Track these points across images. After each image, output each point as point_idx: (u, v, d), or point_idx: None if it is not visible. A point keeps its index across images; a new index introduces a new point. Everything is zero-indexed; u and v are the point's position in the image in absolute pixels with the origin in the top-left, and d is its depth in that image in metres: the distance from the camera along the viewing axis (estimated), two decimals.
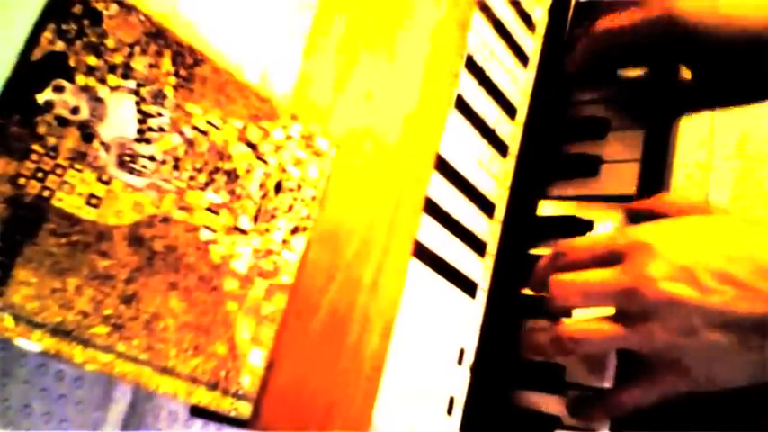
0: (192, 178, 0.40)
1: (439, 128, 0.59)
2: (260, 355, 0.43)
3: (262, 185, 0.44)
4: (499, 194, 0.65)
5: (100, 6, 0.37)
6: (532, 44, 0.71)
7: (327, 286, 0.48)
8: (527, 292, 0.60)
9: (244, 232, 0.43)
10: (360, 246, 0.51)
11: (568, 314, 0.57)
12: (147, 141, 0.39)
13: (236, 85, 0.43)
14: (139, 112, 0.38)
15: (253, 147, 0.44)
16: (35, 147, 0.34)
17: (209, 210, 0.41)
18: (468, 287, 0.60)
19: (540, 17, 0.73)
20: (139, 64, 0.38)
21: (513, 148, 0.67)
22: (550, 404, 0.59)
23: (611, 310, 0.52)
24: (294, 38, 0.48)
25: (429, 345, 0.55)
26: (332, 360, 0.48)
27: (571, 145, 0.70)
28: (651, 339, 0.48)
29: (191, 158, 0.41)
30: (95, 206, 0.36)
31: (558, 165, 0.70)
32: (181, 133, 0.40)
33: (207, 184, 0.41)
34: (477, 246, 0.61)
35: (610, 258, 0.51)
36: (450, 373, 0.57)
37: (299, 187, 0.46)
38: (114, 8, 0.37)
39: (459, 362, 0.58)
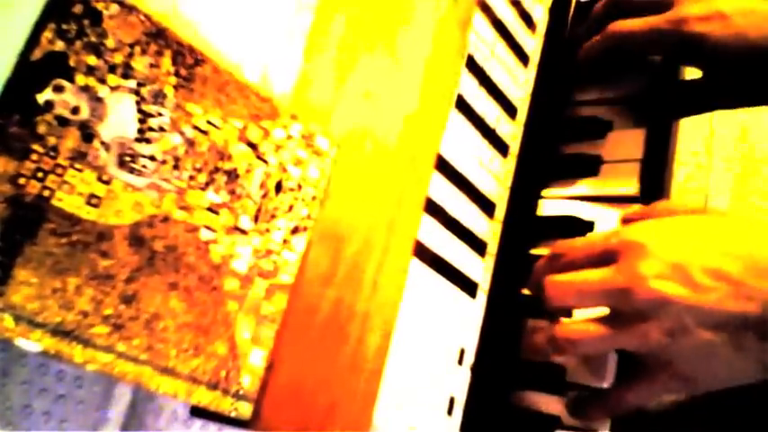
0: (192, 178, 0.40)
1: (439, 128, 0.59)
2: (260, 356, 0.43)
3: (262, 185, 0.44)
4: (500, 194, 0.65)
5: (100, 6, 0.37)
6: (533, 44, 0.71)
7: (328, 286, 0.48)
8: (527, 292, 0.60)
9: (244, 232, 0.43)
10: (360, 245, 0.51)
11: (569, 314, 0.57)
12: (148, 141, 0.39)
13: (237, 85, 0.43)
14: (140, 111, 0.38)
15: (253, 146, 0.44)
16: (35, 146, 0.34)
17: (209, 209, 0.41)
18: (469, 287, 0.60)
19: (541, 17, 0.73)
20: (140, 64, 0.38)
21: (514, 147, 0.67)
22: (551, 404, 0.59)
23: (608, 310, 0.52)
24: (294, 38, 0.48)
25: (429, 345, 0.55)
26: (332, 360, 0.48)
27: (571, 145, 0.70)
28: (645, 339, 0.48)
29: (191, 158, 0.40)
30: (95, 206, 0.36)
31: (558, 164, 0.70)
32: (181, 133, 0.40)
33: (207, 184, 0.41)
34: (478, 246, 0.61)
35: (605, 258, 0.51)
36: (450, 374, 0.57)
37: (300, 187, 0.46)
38: (114, 8, 0.37)
39: (460, 362, 0.58)
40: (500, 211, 0.64)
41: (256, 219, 0.44)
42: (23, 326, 0.33)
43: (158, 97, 0.39)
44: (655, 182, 0.64)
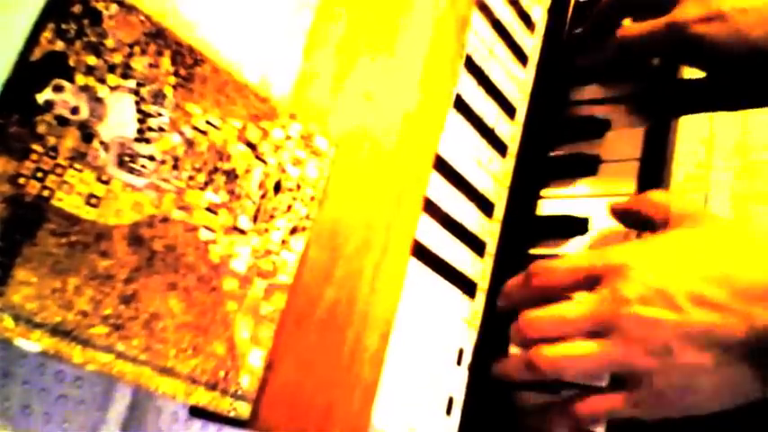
0: (191, 178, 0.40)
1: (438, 127, 0.59)
2: (259, 356, 0.43)
3: (261, 185, 0.44)
4: (498, 194, 0.65)
5: (100, 6, 0.37)
6: (532, 44, 0.71)
7: (326, 286, 0.48)
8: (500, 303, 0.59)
9: (243, 232, 0.43)
10: (359, 245, 0.51)
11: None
12: (147, 141, 0.39)
13: (236, 85, 0.43)
14: (139, 111, 0.38)
15: (252, 146, 0.44)
16: (35, 146, 0.34)
17: (208, 209, 0.41)
18: (468, 287, 0.60)
19: (540, 17, 0.73)
20: (139, 64, 0.38)
21: (513, 147, 0.67)
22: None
23: None
24: (294, 38, 0.48)
25: (428, 345, 0.55)
26: (331, 360, 0.48)
27: (570, 144, 0.70)
28: (626, 363, 0.48)
29: (190, 158, 0.41)
30: (95, 206, 0.36)
31: (557, 164, 0.70)
32: (180, 133, 0.40)
33: (206, 184, 0.41)
34: (477, 246, 0.61)
35: (585, 282, 0.51)
36: (449, 374, 0.57)
37: (299, 187, 0.46)
38: (114, 8, 0.37)
39: (459, 362, 0.58)
40: (499, 211, 0.64)
41: (255, 219, 0.44)
42: (23, 326, 0.33)
43: (158, 97, 0.39)
44: (654, 181, 0.64)
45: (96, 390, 0.42)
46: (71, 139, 0.35)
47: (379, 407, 0.50)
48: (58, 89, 0.35)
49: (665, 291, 0.47)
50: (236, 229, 0.43)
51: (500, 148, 0.65)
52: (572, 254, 0.55)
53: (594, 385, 0.54)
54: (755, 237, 0.50)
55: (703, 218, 0.53)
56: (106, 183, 0.37)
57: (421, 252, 0.55)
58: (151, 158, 0.39)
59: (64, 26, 0.35)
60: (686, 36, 0.61)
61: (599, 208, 0.65)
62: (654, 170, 0.65)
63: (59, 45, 0.35)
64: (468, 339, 0.59)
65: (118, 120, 0.37)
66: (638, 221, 0.58)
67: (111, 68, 0.37)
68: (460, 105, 0.61)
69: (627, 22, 0.69)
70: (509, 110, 0.67)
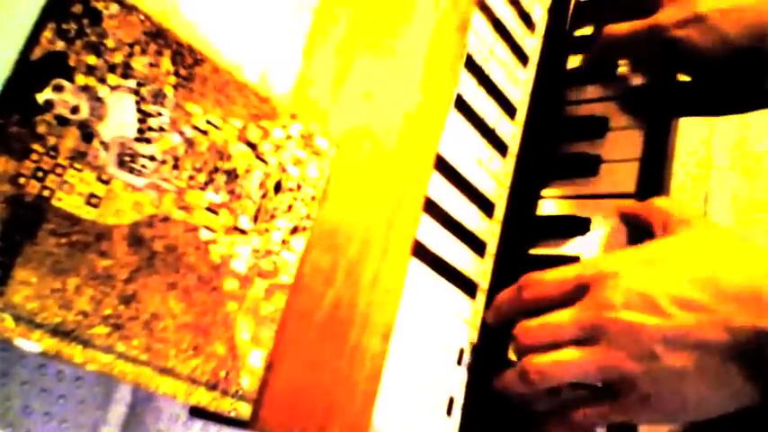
0: (191, 178, 0.40)
1: (439, 127, 0.59)
2: (259, 356, 0.43)
3: (261, 185, 0.44)
4: (499, 194, 0.65)
5: (100, 6, 0.37)
6: (532, 43, 0.71)
7: (327, 286, 0.48)
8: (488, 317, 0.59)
9: (243, 232, 0.43)
10: (359, 246, 0.51)
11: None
12: (147, 141, 0.38)
13: (236, 85, 0.43)
14: (139, 111, 0.38)
15: (252, 146, 0.44)
16: (35, 146, 0.34)
17: (208, 209, 0.41)
18: (468, 287, 0.60)
19: (540, 16, 0.73)
20: (139, 63, 0.38)
21: (513, 147, 0.67)
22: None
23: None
24: (294, 38, 0.48)
25: (428, 345, 0.55)
26: (331, 360, 0.48)
27: (571, 144, 0.70)
28: (616, 369, 0.48)
29: (190, 158, 0.40)
30: (95, 206, 0.36)
31: (557, 164, 0.70)
32: (181, 133, 0.40)
33: (207, 184, 0.41)
34: (477, 246, 0.61)
35: (576, 293, 0.51)
36: (449, 374, 0.57)
37: (299, 187, 0.46)
38: (114, 7, 0.37)
39: (459, 362, 0.58)
40: (499, 211, 0.64)
41: (256, 219, 0.44)
42: (23, 326, 0.33)
43: (158, 97, 0.39)
44: (654, 181, 0.64)
45: (96, 390, 0.42)
46: (71, 139, 0.35)
47: (380, 407, 0.50)
48: (59, 89, 0.35)
49: (649, 295, 0.48)
50: (236, 229, 0.42)
51: (500, 148, 0.65)
52: (562, 267, 0.55)
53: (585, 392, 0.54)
54: (742, 242, 0.50)
55: (696, 223, 0.53)
56: (106, 182, 0.37)
57: (421, 252, 0.55)
58: (151, 158, 0.39)
59: (64, 26, 0.35)
60: (664, 39, 0.61)
61: (599, 208, 0.65)
62: (654, 170, 0.65)
63: (60, 45, 0.35)
64: (468, 339, 0.59)
65: (118, 119, 0.37)
66: (640, 226, 0.58)
67: (112, 68, 0.37)
68: (461, 105, 0.61)
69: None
70: (509, 110, 0.67)
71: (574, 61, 0.74)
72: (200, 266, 0.41)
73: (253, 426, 0.43)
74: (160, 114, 0.39)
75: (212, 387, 0.41)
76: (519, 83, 0.69)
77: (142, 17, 0.39)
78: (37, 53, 0.34)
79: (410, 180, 0.55)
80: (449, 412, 0.56)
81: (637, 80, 0.71)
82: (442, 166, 0.58)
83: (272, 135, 0.45)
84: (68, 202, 0.35)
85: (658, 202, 0.56)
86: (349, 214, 0.50)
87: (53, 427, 0.40)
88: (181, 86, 0.40)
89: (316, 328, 0.47)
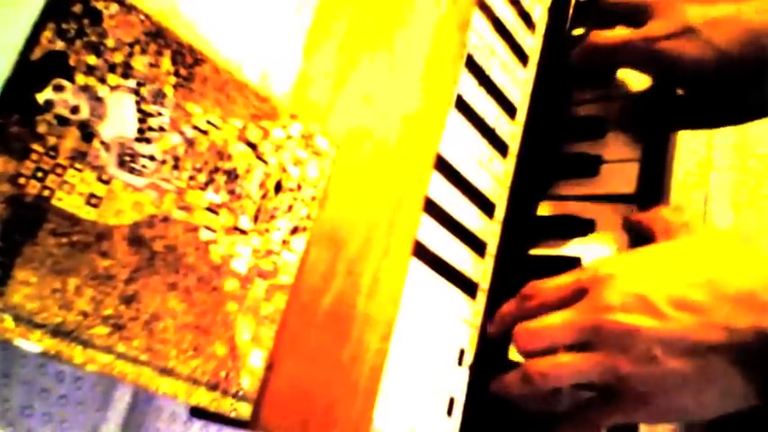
0: (191, 178, 0.40)
1: (439, 127, 0.59)
2: (260, 356, 0.43)
3: (262, 185, 0.44)
4: (499, 194, 0.65)
5: (100, 5, 0.37)
6: (532, 43, 0.71)
7: (327, 286, 0.48)
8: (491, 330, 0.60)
9: (244, 232, 0.43)
10: (360, 246, 0.51)
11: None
12: (148, 141, 0.38)
13: (236, 85, 0.43)
14: (139, 111, 0.38)
15: (253, 146, 0.44)
16: (35, 146, 0.34)
17: (208, 209, 0.41)
18: (468, 287, 0.60)
19: (540, 16, 0.73)
20: (139, 63, 0.38)
21: (513, 147, 0.67)
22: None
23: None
24: (294, 37, 0.48)
25: (429, 345, 0.55)
26: (332, 361, 0.48)
27: (571, 144, 0.70)
28: (615, 371, 0.48)
29: (191, 158, 0.40)
30: (95, 206, 0.36)
31: (558, 164, 0.70)
32: (181, 133, 0.40)
33: (207, 184, 0.41)
34: (477, 246, 0.61)
35: (575, 296, 0.51)
36: (450, 374, 0.57)
37: (299, 187, 0.46)
38: (114, 7, 0.37)
39: (460, 362, 0.58)
40: (499, 212, 0.64)
41: (256, 219, 0.44)
42: (23, 326, 0.33)
43: (158, 97, 0.39)
44: (654, 181, 0.64)
45: (96, 390, 0.42)
46: (71, 139, 0.35)
47: (380, 407, 0.50)
48: (59, 89, 0.35)
49: (646, 297, 0.48)
50: (236, 229, 0.42)
51: (501, 148, 0.65)
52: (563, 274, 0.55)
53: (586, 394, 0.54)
54: (742, 245, 0.50)
55: (695, 228, 0.53)
56: (107, 183, 0.37)
57: (422, 252, 0.55)
58: (152, 158, 0.39)
59: (64, 26, 0.35)
60: (655, 52, 0.60)
61: (600, 208, 0.65)
62: (654, 170, 0.65)
63: (60, 44, 0.35)
64: (468, 340, 0.59)
65: (118, 119, 0.37)
66: (643, 235, 0.58)
67: (112, 68, 0.37)
68: (461, 105, 0.61)
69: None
70: (510, 110, 0.67)
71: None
72: (201, 266, 0.41)
73: (253, 426, 0.43)
74: (160, 114, 0.39)
75: (213, 387, 0.41)
76: (519, 83, 0.69)
77: (142, 17, 0.39)
78: (37, 53, 0.34)
79: (410, 180, 0.55)
80: (449, 412, 0.56)
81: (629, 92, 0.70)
82: (443, 166, 0.58)
83: (273, 135, 0.45)
84: (68, 202, 0.35)
85: (662, 210, 0.56)
86: (349, 214, 0.50)
87: (53, 427, 0.40)
88: (181, 86, 0.40)
89: (316, 328, 0.47)
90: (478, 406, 0.58)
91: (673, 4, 0.61)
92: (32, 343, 0.34)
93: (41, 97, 0.34)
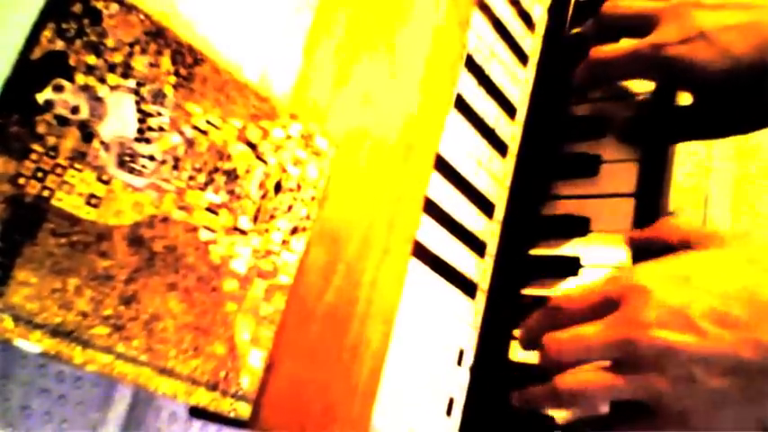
0: (191, 178, 0.40)
1: (438, 127, 0.59)
2: (259, 356, 0.43)
3: (261, 185, 0.44)
4: (499, 194, 0.65)
5: (100, 5, 0.37)
6: (532, 43, 0.71)
7: (327, 287, 0.48)
8: (518, 344, 0.58)
9: (243, 232, 0.43)
10: (359, 246, 0.51)
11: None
12: (147, 141, 0.38)
13: (236, 85, 0.43)
14: (139, 111, 0.38)
15: (252, 146, 0.43)
16: (35, 146, 0.34)
17: (208, 210, 0.41)
18: (468, 288, 0.60)
19: (540, 16, 0.73)
20: (139, 63, 0.38)
21: (513, 147, 0.67)
22: None
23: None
24: (294, 37, 0.48)
25: (428, 345, 0.55)
26: (331, 361, 0.48)
27: (571, 144, 0.70)
28: (650, 389, 0.46)
29: (190, 158, 0.40)
30: (95, 206, 0.36)
31: (557, 164, 0.70)
32: (181, 133, 0.40)
33: (206, 184, 0.41)
34: (477, 246, 0.61)
35: (606, 306, 0.49)
36: (449, 374, 0.57)
37: (299, 187, 0.46)
38: (114, 7, 0.37)
39: (459, 363, 0.58)
40: (499, 212, 0.64)
41: (255, 219, 0.44)
42: (23, 327, 0.33)
43: (158, 97, 0.39)
44: (654, 182, 0.64)
45: (96, 390, 0.42)
46: (71, 139, 0.35)
47: (380, 407, 0.50)
48: (58, 89, 0.35)
49: (684, 312, 0.45)
50: (236, 229, 0.42)
51: (500, 148, 0.65)
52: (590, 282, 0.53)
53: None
54: None
55: (731, 240, 0.51)
56: (106, 183, 0.37)
57: (421, 252, 0.55)
58: (151, 158, 0.39)
59: (64, 25, 0.35)
60: (666, 58, 0.59)
61: (599, 208, 0.65)
62: (654, 170, 0.65)
63: (59, 44, 0.35)
64: (468, 340, 0.59)
65: (118, 119, 0.37)
66: (651, 249, 0.56)
67: (112, 68, 0.37)
68: (461, 105, 0.61)
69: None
70: (509, 110, 0.67)
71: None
72: (200, 267, 0.41)
73: (252, 426, 0.43)
74: (160, 114, 0.39)
75: (212, 387, 0.41)
76: (519, 83, 0.69)
77: (142, 17, 0.38)
78: (37, 53, 0.34)
79: (410, 180, 0.55)
80: (449, 412, 0.56)
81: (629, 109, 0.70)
82: (442, 166, 0.58)
83: (272, 135, 0.45)
84: (68, 202, 0.35)
85: (673, 220, 0.55)
86: (349, 214, 0.50)
87: (53, 427, 0.40)
88: (181, 86, 0.40)
89: (315, 328, 0.47)
90: (478, 406, 0.58)
91: (682, 10, 0.60)
92: (32, 343, 0.34)
93: (41, 97, 0.34)
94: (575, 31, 0.72)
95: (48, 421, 0.39)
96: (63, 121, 0.35)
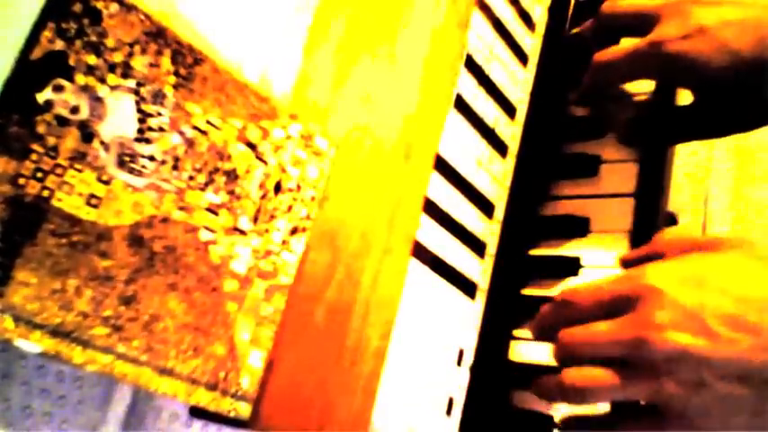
0: (191, 178, 0.40)
1: (438, 128, 0.59)
2: (259, 356, 0.43)
3: (261, 185, 0.44)
4: (499, 195, 0.65)
5: (100, 5, 0.37)
6: (532, 43, 0.71)
7: (326, 287, 0.48)
8: (527, 333, 0.58)
9: (243, 233, 0.43)
10: (359, 246, 0.51)
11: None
12: (147, 141, 0.38)
13: (236, 85, 0.43)
14: (139, 111, 0.38)
15: (252, 146, 0.43)
16: (35, 146, 0.34)
17: (208, 210, 0.41)
18: (468, 288, 0.60)
19: (540, 16, 0.73)
20: (139, 63, 0.38)
21: (513, 147, 0.67)
22: (549, 405, 0.59)
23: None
24: (294, 37, 0.48)
25: (428, 345, 0.55)
26: (331, 360, 0.48)
27: (571, 144, 0.70)
28: (659, 392, 0.46)
29: (190, 158, 0.40)
30: (95, 206, 0.36)
31: (557, 164, 0.70)
32: (181, 133, 0.40)
33: (206, 185, 0.41)
34: (477, 246, 0.61)
35: (618, 305, 0.48)
36: (449, 374, 0.57)
37: (299, 187, 0.46)
38: (114, 7, 0.37)
39: (459, 362, 0.58)
40: (499, 212, 0.64)
41: (255, 219, 0.44)
42: (23, 327, 0.33)
43: (158, 97, 0.39)
44: (654, 182, 0.64)
45: (96, 390, 0.42)
46: (71, 139, 0.35)
47: (380, 407, 0.50)
48: (58, 89, 0.35)
49: (698, 314, 0.45)
50: (236, 229, 0.42)
51: (500, 148, 0.65)
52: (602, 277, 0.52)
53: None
54: None
55: (743, 244, 0.49)
56: (106, 183, 0.37)
57: (421, 252, 0.55)
58: (151, 158, 0.39)
59: (64, 25, 0.35)
60: (666, 54, 0.59)
61: (599, 208, 0.65)
62: (654, 171, 0.65)
63: (59, 44, 0.35)
64: (468, 340, 0.59)
65: (118, 119, 0.37)
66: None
67: (112, 68, 0.37)
68: (461, 105, 0.61)
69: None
70: (509, 110, 0.67)
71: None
72: (200, 267, 0.41)
73: (252, 425, 0.43)
74: (160, 114, 0.39)
75: (212, 387, 0.41)
76: (519, 83, 0.69)
77: (142, 17, 0.38)
78: (37, 53, 0.34)
79: (410, 180, 0.55)
80: (448, 412, 0.56)
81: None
82: (442, 167, 0.58)
83: (272, 135, 0.45)
84: (68, 202, 0.35)
85: (672, 231, 0.54)
86: (349, 215, 0.50)
87: (53, 427, 0.40)
88: (181, 86, 0.40)
89: (315, 328, 0.47)
90: (478, 406, 0.58)
91: (682, 7, 0.60)
92: (32, 343, 0.34)
93: (41, 97, 0.34)
94: (575, 31, 0.72)
95: (48, 421, 0.39)
96: (63, 122, 0.35)
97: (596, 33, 0.67)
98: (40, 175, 0.34)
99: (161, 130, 0.39)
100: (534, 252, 0.66)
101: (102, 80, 0.37)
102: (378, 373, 0.51)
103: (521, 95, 0.69)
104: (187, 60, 0.40)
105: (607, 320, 0.48)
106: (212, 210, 0.41)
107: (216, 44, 0.42)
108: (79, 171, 0.36)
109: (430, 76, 0.58)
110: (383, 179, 0.53)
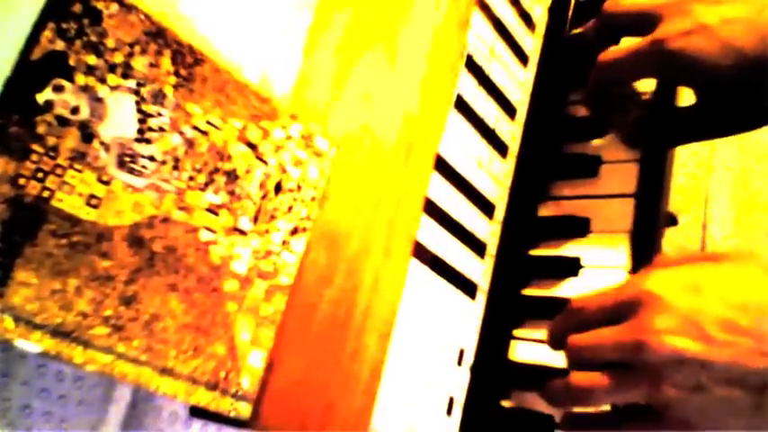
0: (191, 178, 0.40)
1: (439, 128, 0.59)
2: (259, 356, 0.43)
3: (261, 186, 0.44)
4: (499, 195, 0.65)
5: (100, 5, 0.37)
6: (532, 43, 0.71)
7: (327, 287, 0.48)
8: (529, 292, 0.59)
9: (243, 233, 0.43)
10: (359, 246, 0.51)
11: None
12: (147, 141, 0.38)
13: (236, 85, 0.43)
14: (139, 111, 0.38)
15: (252, 147, 0.44)
16: (35, 147, 0.34)
17: (208, 210, 0.41)
18: (468, 288, 0.60)
19: (540, 16, 0.73)
20: (139, 63, 0.38)
21: (513, 148, 0.67)
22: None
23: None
24: (294, 38, 0.48)
25: (429, 346, 0.55)
26: (331, 361, 0.48)
27: (571, 145, 0.70)
28: (658, 395, 0.47)
29: (191, 158, 0.40)
30: (95, 206, 0.36)
31: (558, 165, 0.70)
32: (181, 133, 0.40)
33: (207, 185, 0.41)
34: (477, 246, 0.61)
35: (621, 311, 0.49)
36: (449, 374, 0.57)
37: (299, 188, 0.46)
38: (114, 7, 0.37)
39: (459, 362, 0.58)
40: (499, 212, 0.64)
41: (256, 220, 0.44)
42: (23, 327, 0.33)
43: (158, 97, 0.39)
44: (654, 182, 0.64)
45: (96, 390, 0.42)
46: (71, 140, 0.35)
47: (380, 407, 0.50)
48: (59, 89, 0.35)
49: (695, 319, 0.46)
50: (236, 229, 0.42)
51: (501, 148, 0.65)
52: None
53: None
54: None
55: (742, 255, 0.50)
56: (107, 183, 0.37)
57: (422, 253, 0.55)
58: (151, 159, 0.39)
59: (64, 25, 0.35)
60: (668, 51, 0.59)
61: (599, 208, 0.65)
62: (654, 171, 0.65)
63: (60, 44, 0.35)
64: (468, 340, 0.59)
65: (118, 120, 0.37)
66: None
67: (112, 68, 0.37)
68: (461, 105, 0.61)
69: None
70: (510, 110, 0.67)
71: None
72: (201, 267, 0.41)
73: (252, 425, 0.43)
74: (160, 114, 0.39)
75: (212, 387, 0.41)
76: (519, 83, 0.69)
77: (142, 17, 0.39)
78: (37, 53, 0.34)
79: (410, 181, 0.55)
80: (449, 412, 0.56)
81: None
82: (442, 167, 0.58)
83: (273, 135, 0.45)
84: (68, 202, 0.35)
85: (663, 257, 0.54)
86: (349, 215, 0.50)
87: (53, 427, 0.40)
88: (181, 86, 0.40)
89: (316, 328, 0.47)
90: (478, 406, 0.58)
91: (684, 5, 0.59)
92: (32, 343, 0.34)
93: (41, 97, 0.34)
94: (575, 31, 0.72)
95: (48, 421, 0.39)
96: (63, 122, 0.35)
97: (598, 33, 0.67)
98: (40, 175, 0.34)
99: (161, 130, 0.39)
100: (534, 252, 0.66)
101: (103, 80, 0.37)
102: (378, 373, 0.51)
103: (521, 96, 0.69)
104: (187, 60, 0.40)
105: (611, 326, 0.49)
106: (212, 210, 0.41)
107: (216, 44, 0.43)
108: (79, 171, 0.36)
109: (430, 76, 0.58)
110: (383, 179, 0.53)
